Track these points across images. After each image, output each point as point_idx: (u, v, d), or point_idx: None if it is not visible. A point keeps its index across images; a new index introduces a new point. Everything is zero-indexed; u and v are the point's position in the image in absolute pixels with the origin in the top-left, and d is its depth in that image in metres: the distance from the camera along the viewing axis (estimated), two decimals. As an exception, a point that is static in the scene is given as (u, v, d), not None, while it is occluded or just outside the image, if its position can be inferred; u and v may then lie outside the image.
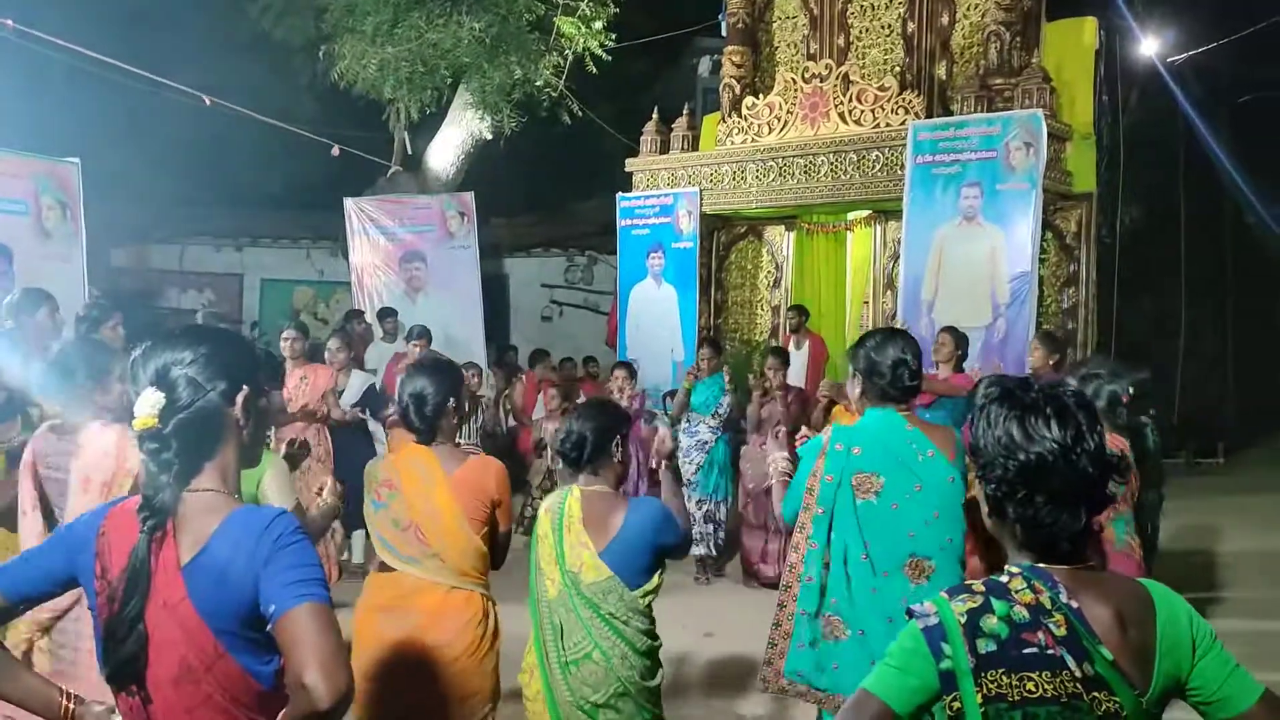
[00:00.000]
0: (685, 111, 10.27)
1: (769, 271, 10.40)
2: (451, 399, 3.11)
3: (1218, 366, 12.54)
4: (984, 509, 1.72)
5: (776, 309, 10.27)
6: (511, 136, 10.72)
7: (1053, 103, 8.07)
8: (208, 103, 9.01)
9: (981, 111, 8.13)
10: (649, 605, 2.92)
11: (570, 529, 2.90)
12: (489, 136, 10.93)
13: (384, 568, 3.13)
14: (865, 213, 9.52)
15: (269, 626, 1.68)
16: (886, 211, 8.97)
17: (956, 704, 1.59)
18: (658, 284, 9.78)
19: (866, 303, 9.75)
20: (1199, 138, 11.89)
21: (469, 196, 10.50)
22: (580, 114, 10.64)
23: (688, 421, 7.40)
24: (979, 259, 7.74)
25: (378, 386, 7.35)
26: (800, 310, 9.19)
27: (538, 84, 9.85)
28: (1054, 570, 1.63)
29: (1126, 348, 8.89)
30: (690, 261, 9.62)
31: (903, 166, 8.11)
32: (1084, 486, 1.62)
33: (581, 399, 8.28)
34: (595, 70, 10.20)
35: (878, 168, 8.61)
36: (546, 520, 2.97)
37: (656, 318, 9.60)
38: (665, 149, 10.16)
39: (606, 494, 2.96)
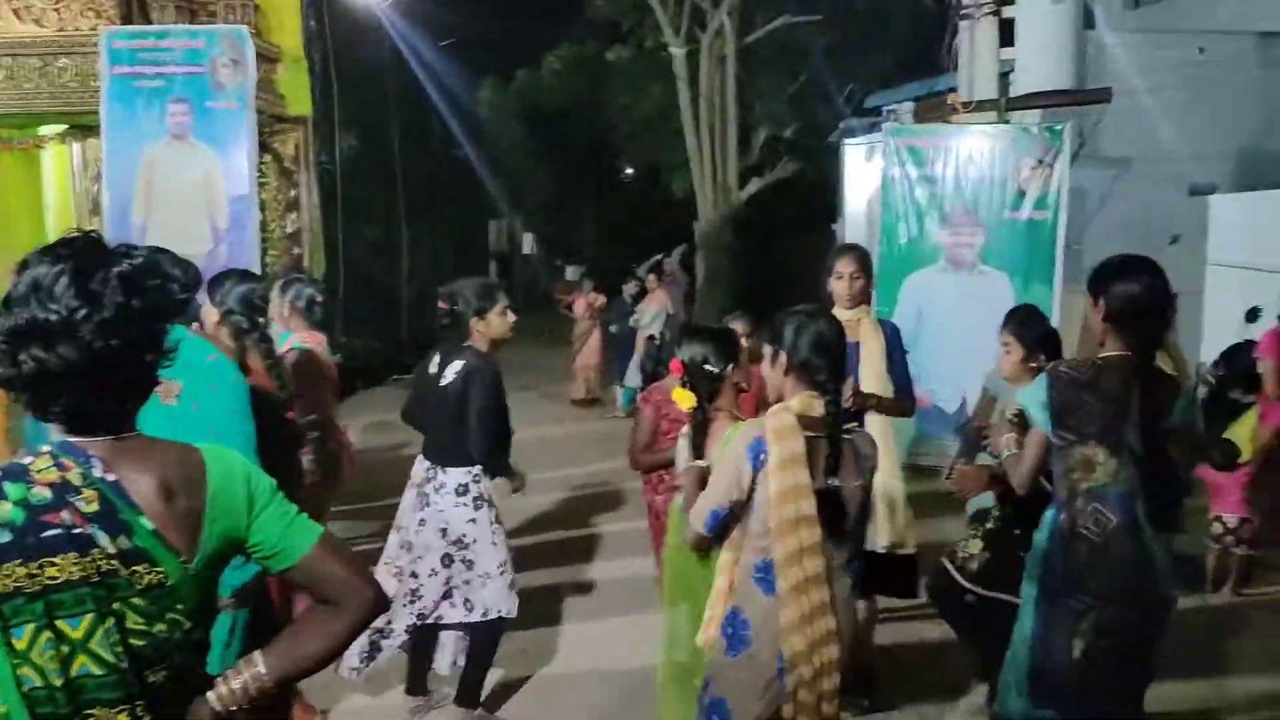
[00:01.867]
0: None
1: (-57, 194, 8.71)
2: None
3: (435, 282, 13.94)
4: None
5: (-41, 239, 8.68)
6: None
7: (259, 22, 7.96)
8: None
9: (184, 24, 7.68)
10: None
11: None
12: None
13: None
14: (61, 128, 8.47)
15: None
16: (85, 127, 8.06)
17: None
18: None
19: (73, 230, 8.73)
20: (408, 73, 12.89)
21: None
22: None
23: None
24: (194, 181, 7.36)
25: None
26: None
27: None
28: (91, 444, 1.49)
29: (353, 270, 9.37)
30: None
31: (98, 77, 7.31)
32: (87, 359, 1.44)
33: None
34: None
35: (68, 76, 7.70)
36: None
37: None
38: None
39: None
